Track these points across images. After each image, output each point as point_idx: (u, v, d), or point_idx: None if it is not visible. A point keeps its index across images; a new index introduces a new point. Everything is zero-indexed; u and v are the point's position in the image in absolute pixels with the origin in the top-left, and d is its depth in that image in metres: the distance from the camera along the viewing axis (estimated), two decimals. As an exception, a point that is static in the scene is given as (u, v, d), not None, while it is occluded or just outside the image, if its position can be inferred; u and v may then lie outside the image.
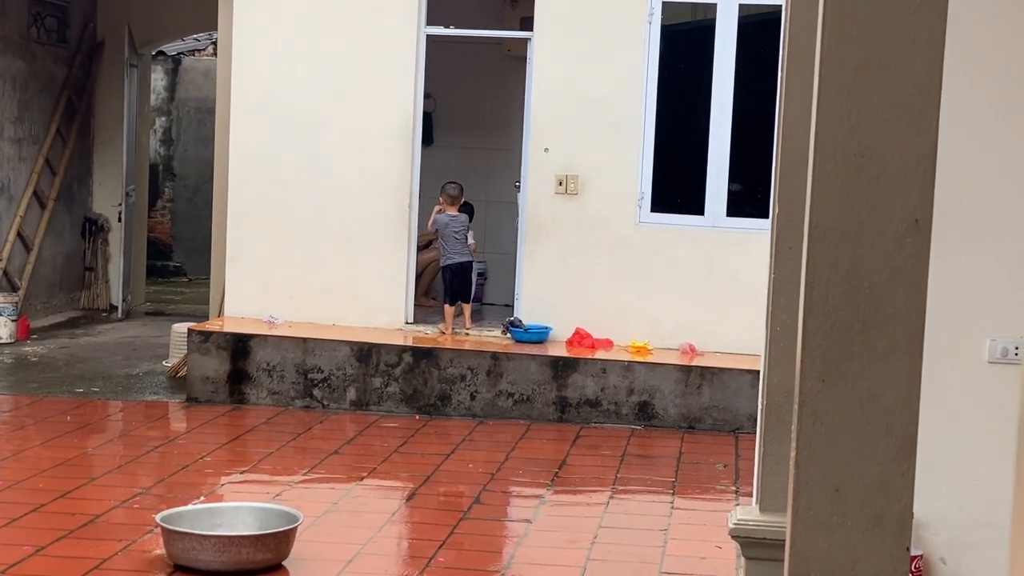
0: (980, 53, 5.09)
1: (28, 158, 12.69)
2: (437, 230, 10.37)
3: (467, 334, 10.11)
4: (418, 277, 11.41)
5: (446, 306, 10.27)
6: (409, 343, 9.78)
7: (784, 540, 2.46)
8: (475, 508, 7.20)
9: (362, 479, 7.73)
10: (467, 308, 10.31)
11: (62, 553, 6.10)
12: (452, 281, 10.27)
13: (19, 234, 12.51)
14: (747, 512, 4.30)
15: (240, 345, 9.72)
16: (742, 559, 4.35)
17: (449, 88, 12.03)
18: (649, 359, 9.56)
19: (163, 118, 17.66)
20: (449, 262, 10.29)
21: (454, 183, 10.52)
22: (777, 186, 3.99)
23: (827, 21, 2.35)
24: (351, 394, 9.62)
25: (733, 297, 9.76)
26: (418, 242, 10.50)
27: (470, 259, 10.36)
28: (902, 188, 2.30)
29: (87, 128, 13.68)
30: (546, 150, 10.03)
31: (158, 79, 17.34)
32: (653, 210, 10.01)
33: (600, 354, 9.67)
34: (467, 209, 10.96)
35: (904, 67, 2.30)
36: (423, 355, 9.61)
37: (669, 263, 9.94)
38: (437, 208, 10.44)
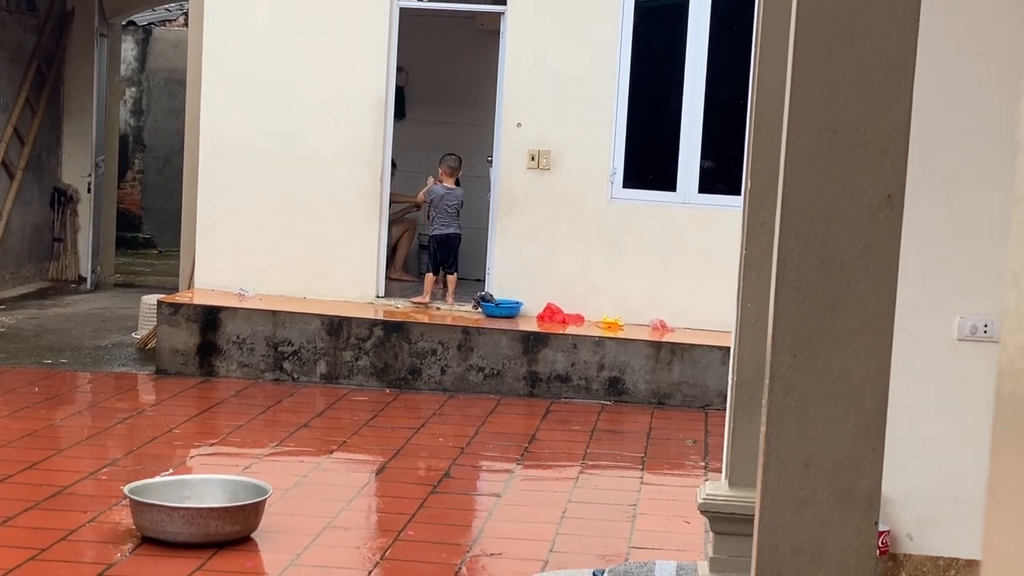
0: (950, 32, 5.10)
1: (-3, 127, 12.59)
2: (431, 200, 10.34)
3: (449, 309, 10.08)
4: (393, 251, 11.39)
5: (427, 275, 10.28)
6: (380, 317, 9.76)
7: (753, 515, 2.47)
8: (445, 482, 7.21)
9: (332, 452, 7.72)
10: (452, 282, 10.28)
11: (29, 524, 6.07)
12: (437, 251, 10.28)
13: (-13, 204, 12.42)
14: (716, 487, 4.32)
15: (210, 317, 9.68)
16: (711, 534, 4.37)
17: (422, 62, 11.99)
18: (620, 335, 9.57)
19: (133, 89, 17.54)
20: (436, 232, 10.29)
21: (454, 155, 10.51)
22: (750, 161, 3.99)
23: (802, -4, 2.34)
24: (321, 367, 9.60)
25: (704, 273, 9.78)
26: (390, 216, 10.48)
27: (458, 232, 10.35)
28: (875, 163, 2.30)
29: (57, 98, 13.58)
30: (519, 125, 10.00)
31: (128, 49, 17.21)
32: (625, 186, 10.00)
33: (571, 329, 9.68)
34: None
35: (878, 43, 2.30)
36: (394, 329, 9.59)
37: (641, 239, 9.95)
38: (433, 179, 10.43)
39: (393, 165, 11.30)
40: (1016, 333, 0.69)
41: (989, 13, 5.07)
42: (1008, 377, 0.69)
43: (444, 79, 12.25)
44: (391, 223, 10.63)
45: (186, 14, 15.92)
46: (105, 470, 7.06)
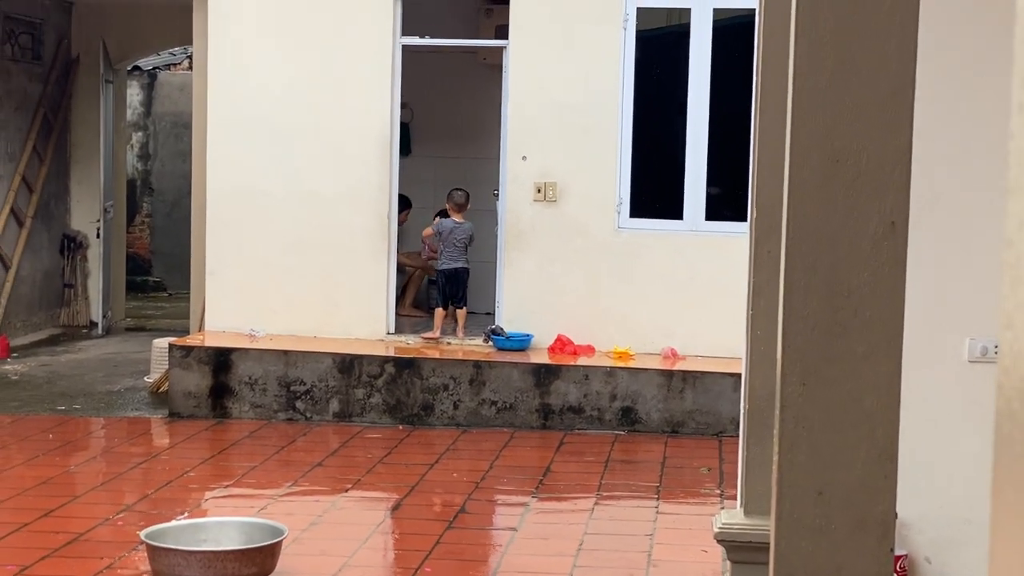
0: (952, 55, 5.12)
1: (5, 176, 12.64)
2: (440, 233, 10.37)
3: (459, 343, 10.08)
4: (405, 288, 11.41)
5: (437, 310, 10.29)
6: (391, 353, 9.76)
7: (769, 543, 2.47)
8: (460, 517, 7.19)
9: (346, 491, 7.71)
10: (461, 316, 10.29)
11: (46, 572, 6.07)
12: (446, 285, 10.30)
13: (-3, 252, 12.46)
14: (732, 516, 4.31)
15: (221, 359, 9.69)
16: (728, 563, 4.36)
17: (426, 98, 12.03)
18: (631, 364, 9.56)
19: (140, 133, 17.61)
20: (445, 267, 10.32)
21: (461, 190, 10.55)
22: (754, 190, 4.00)
23: (800, 24, 2.35)
24: (334, 406, 9.60)
25: (713, 301, 9.77)
26: (398, 260, 10.52)
27: (467, 266, 10.37)
28: (878, 191, 2.30)
29: (64, 145, 13.63)
30: (524, 158, 10.03)
31: (134, 94, 17.29)
32: (632, 215, 10.01)
33: (582, 360, 9.67)
34: (405, 203, 11.01)
35: (877, 70, 2.31)
36: (405, 365, 9.59)
37: (649, 268, 9.95)
38: (437, 219, 10.50)
39: (408, 203, 11.36)
40: (1011, 374, 0.69)
41: (992, 38, 5.08)
42: (1006, 418, 0.69)
43: (448, 114, 12.29)
44: (404, 262, 10.67)
45: (190, 58, 16.01)
46: (121, 515, 7.06)
